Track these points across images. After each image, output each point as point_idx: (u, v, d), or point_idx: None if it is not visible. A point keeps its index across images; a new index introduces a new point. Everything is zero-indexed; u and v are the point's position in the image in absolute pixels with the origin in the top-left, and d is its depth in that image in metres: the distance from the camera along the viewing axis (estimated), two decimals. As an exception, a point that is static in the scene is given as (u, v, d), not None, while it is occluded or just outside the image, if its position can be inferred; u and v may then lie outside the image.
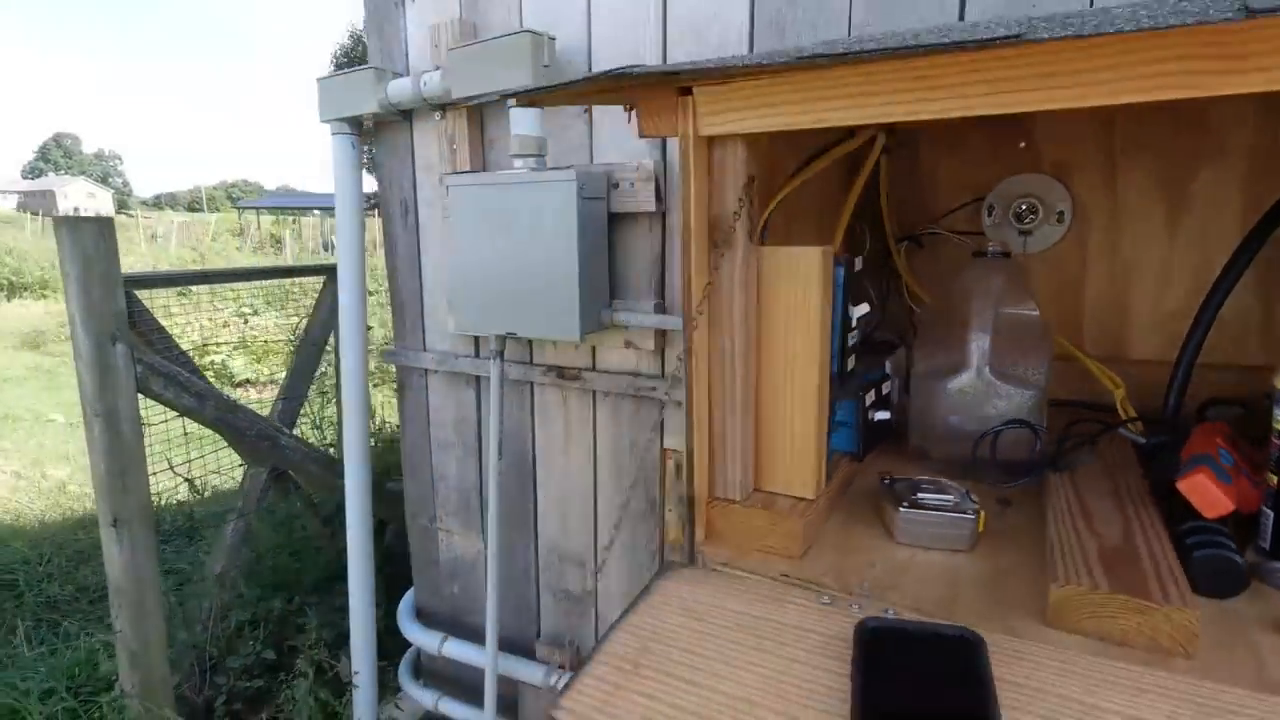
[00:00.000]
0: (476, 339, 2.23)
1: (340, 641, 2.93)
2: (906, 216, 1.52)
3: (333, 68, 20.95)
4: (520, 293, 1.83)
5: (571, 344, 2.04)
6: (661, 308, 1.87)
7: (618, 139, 1.86)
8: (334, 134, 2.19)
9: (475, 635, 2.46)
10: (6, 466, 4.82)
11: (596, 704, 0.65)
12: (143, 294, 2.50)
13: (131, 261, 12.93)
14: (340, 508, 3.45)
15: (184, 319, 3.35)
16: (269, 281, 3.65)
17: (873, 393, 1.14)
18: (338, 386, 3.75)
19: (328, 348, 3.55)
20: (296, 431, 3.42)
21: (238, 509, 3.05)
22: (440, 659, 2.47)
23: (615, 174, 1.82)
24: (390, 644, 2.71)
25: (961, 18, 1.37)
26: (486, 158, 2.08)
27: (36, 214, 28.05)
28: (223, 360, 7.04)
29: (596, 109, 1.88)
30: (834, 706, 0.64)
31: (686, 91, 0.81)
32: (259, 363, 7.54)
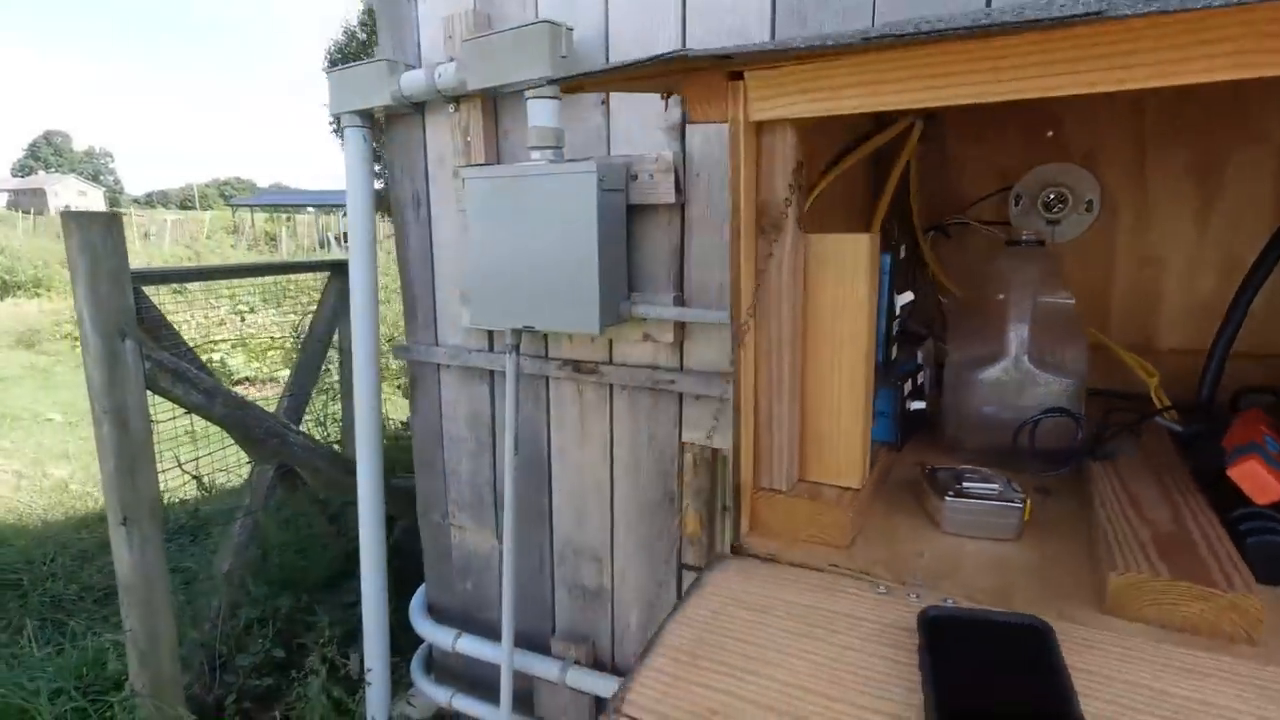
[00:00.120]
0: (490, 333, 2.21)
1: (350, 639, 2.92)
2: (931, 206, 1.51)
3: (327, 65, 20.80)
4: (538, 286, 1.82)
5: (588, 337, 2.03)
6: (680, 300, 1.86)
7: (635, 131, 1.84)
8: (345, 126, 2.17)
9: (489, 631, 2.45)
10: (7, 466, 4.78)
11: (657, 696, 0.64)
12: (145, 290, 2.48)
13: (126, 259, 12.80)
14: (347, 505, 3.44)
15: (179, 317, 3.32)
16: (267, 279, 3.61)
17: (909, 382, 1.13)
18: (343, 383, 3.74)
19: (331, 344, 3.53)
20: (302, 429, 3.40)
21: (245, 506, 3.03)
22: (453, 655, 2.46)
23: (634, 165, 1.80)
24: (400, 640, 2.70)
25: (988, 4, 1.37)
26: (501, 150, 2.06)
27: (28, 212, 27.82)
28: (221, 358, 7.00)
29: (614, 100, 1.86)
30: (899, 695, 0.63)
31: (737, 76, 0.79)
32: (257, 360, 7.51)
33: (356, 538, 3.38)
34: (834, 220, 1.12)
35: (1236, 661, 0.67)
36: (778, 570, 0.85)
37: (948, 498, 0.92)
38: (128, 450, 2.29)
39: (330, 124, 21.73)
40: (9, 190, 58.00)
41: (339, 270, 3.53)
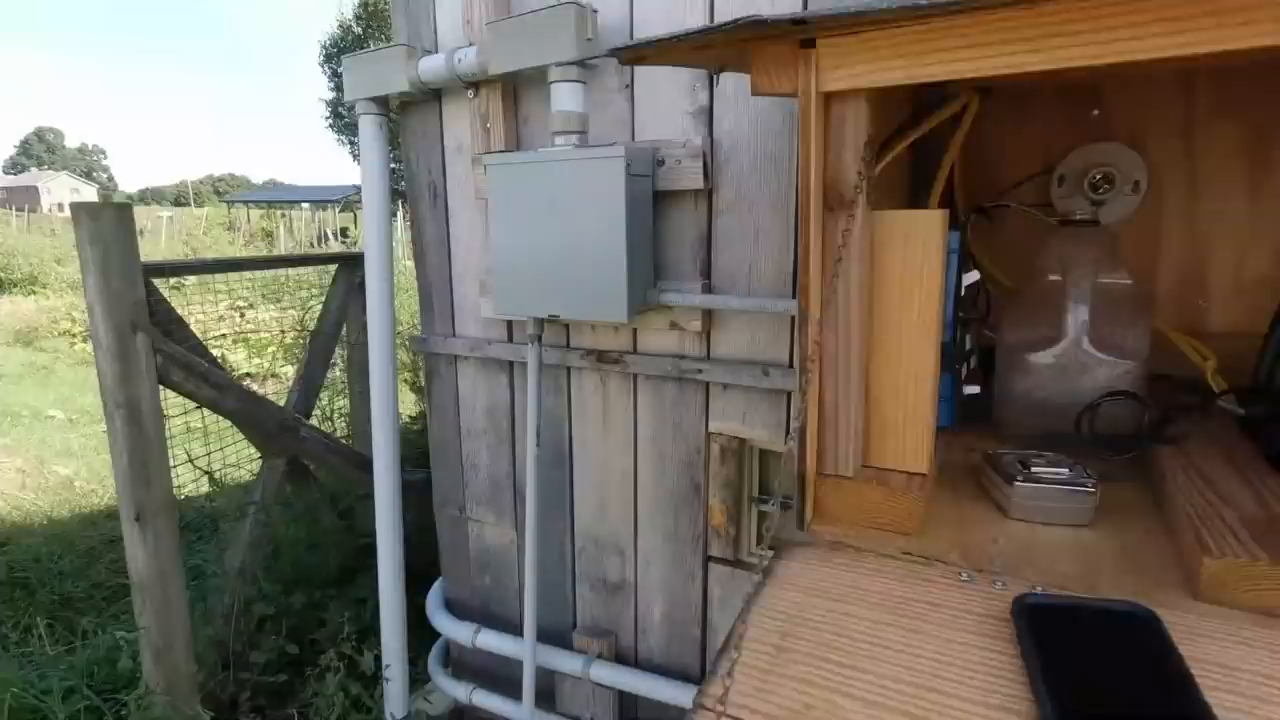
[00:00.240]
0: (510, 324, 2.18)
1: (364, 635, 2.88)
2: (968, 189, 1.49)
3: (321, 59, 20.65)
4: (563, 274, 1.78)
5: (612, 326, 1.99)
6: (708, 287, 1.82)
7: (661, 115, 1.81)
8: (361, 114, 2.13)
9: (508, 626, 2.43)
10: (10, 463, 4.74)
11: (753, 692, 0.62)
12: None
13: (123, 256, 12.67)
14: (360, 500, 3.41)
15: (179, 313, 3.26)
16: (270, 273, 3.55)
17: (965, 366, 1.10)
18: (351, 377, 3.71)
19: (339, 339, 3.49)
20: (311, 423, 3.36)
21: (256, 502, 3.00)
22: (472, 650, 2.43)
23: (661, 151, 1.77)
24: (414, 635, 2.67)
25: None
26: (521, 137, 2.03)
27: (21, 210, 27.63)
28: (222, 354, 6.94)
29: (638, 85, 1.82)
30: (1004, 688, 0.60)
31: (809, 44, 0.76)
32: (258, 356, 7.45)
33: (367, 533, 3.35)
34: (879, 200, 1.09)
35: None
36: (849, 558, 0.82)
37: (1017, 482, 0.89)
38: (140, 445, 2.25)
39: (326, 118, 21.63)
40: (1, 188, 57.61)
41: (347, 263, 3.50)
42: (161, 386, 2.34)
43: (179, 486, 2.88)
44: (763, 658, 0.65)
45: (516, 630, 2.40)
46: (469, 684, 2.45)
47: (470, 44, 1.93)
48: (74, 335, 9.19)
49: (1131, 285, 1.08)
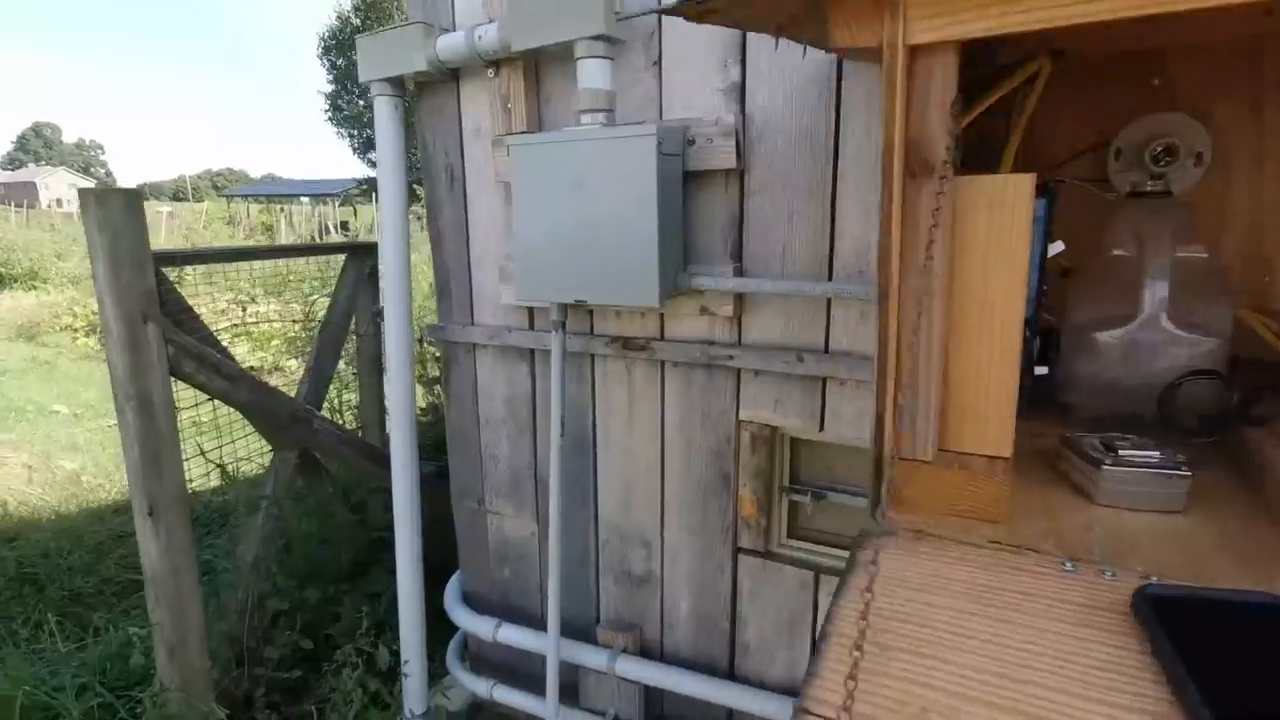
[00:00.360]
0: (531, 311, 2.12)
1: (379, 630, 2.84)
2: (1017, 164, 1.42)
3: (320, 51, 20.50)
4: (591, 258, 1.73)
5: (639, 312, 1.94)
6: (740, 271, 1.77)
7: (690, 92, 1.75)
8: (376, 96, 2.06)
9: (529, 619, 2.38)
10: (16, 459, 4.69)
11: (849, 692, 0.56)
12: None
13: (123, 250, 12.59)
14: (372, 493, 3.36)
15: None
16: (269, 269, 3.48)
17: (1033, 346, 1.05)
18: (361, 368, 3.65)
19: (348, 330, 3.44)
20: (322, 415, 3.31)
21: (268, 496, 2.95)
22: (491, 645, 2.38)
23: (691, 129, 1.71)
24: (432, 629, 2.63)
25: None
26: (542, 117, 1.96)
27: (20, 206, 27.51)
28: (224, 347, 6.88)
29: (667, 62, 1.76)
30: (1127, 684, 0.55)
31: (895, -9, 0.70)
32: (262, 349, 7.40)
33: (380, 527, 3.31)
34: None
35: None
36: (934, 547, 0.76)
37: (1105, 466, 0.84)
38: (152, 438, 2.20)
39: (325, 111, 21.50)
40: (-1, 184, 57.37)
41: (356, 253, 3.44)
42: (172, 378, 2.29)
43: (188, 481, 2.83)
44: (864, 656, 0.60)
45: (537, 624, 2.35)
46: (489, 679, 2.40)
47: (490, 20, 1.87)
48: (76, 330, 9.13)
49: (1209, 259, 1.03)
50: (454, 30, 1.96)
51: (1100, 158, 1.38)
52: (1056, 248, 0.91)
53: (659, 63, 1.77)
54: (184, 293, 3.03)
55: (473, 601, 2.52)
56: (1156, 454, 0.85)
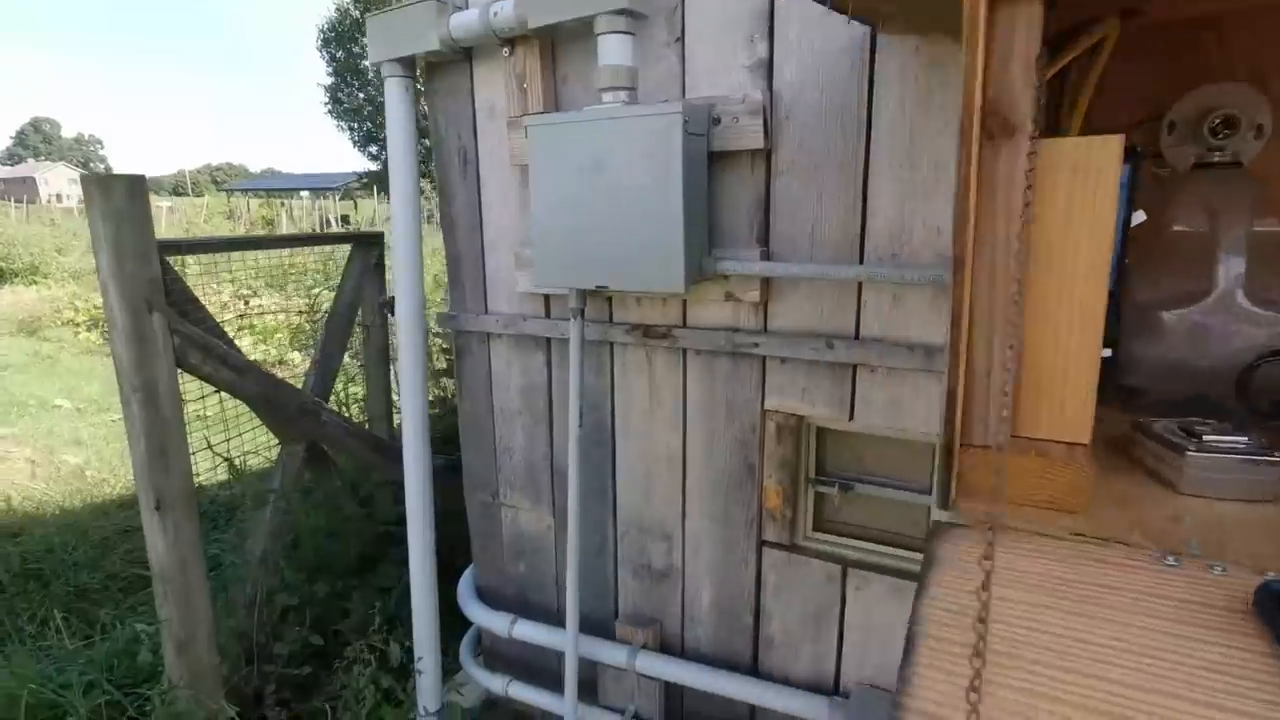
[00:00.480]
0: (547, 298, 2.06)
1: (390, 625, 2.79)
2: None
3: (319, 43, 20.32)
4: (613, 242, 1.66)
5: (660, 299, 1.88)
6: (766, 255, 1.71)
7: (715, 70, 1.68)
8: (386, 77, 2.00)
9: (545, 615, 2.33)
10: (19, 453, 4.64)
11: (953, 702, 0.50)
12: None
13: (124, 244, 12.52)
14: (379, 486, 3.31)
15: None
16: (270, 263, 3.42)
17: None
18: (368, 359, 3.60)
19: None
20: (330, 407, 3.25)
21: (276, 489, 2.90)
22: (506, 640, 2.33)
23: (717, 108, 1.64)
24: (445, 625, 2.58)
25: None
26: (559, 97, 1.90)
27: (20, 201, 27.42)
28: (230, 339, 6.82)
29: (690, 37, 1.69)
30: (1254, 690, 0.49)
31: (979, -68, 0.64)
32: (265, 342, 7.35)
33: (388, 521, 3.26)
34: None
35: None
36: (1012, 540, 0.71)
37: (1189, 453, 0.78)
38: (159, 430, 2.15)
39: (325, 104, 21.35)
40: (-2, 179, 57.19)
41: (362, 243, 3.38)
42: (178, 370, 2.23)
43: (196, 475, 2.78)
44: (959, 660, 0.54)
45: (554, 619, 2.31)
46: (504, 676, 2.35)
47: (506, -4, 1.80)
48: (78, 324, 9.07)
49: (1284, 234, 0.97)
50: (467, 7, 1.90)
51: (1148, 132, 1.31)
52: (1139, 217, 0.86)
53: (681, 39, 1.71)
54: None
55: (487, 596, 2.47)
56: (1243, 439, 0.79)
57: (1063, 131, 1.12)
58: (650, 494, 2.05)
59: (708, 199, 1.71)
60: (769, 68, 1.62)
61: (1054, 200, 0.73)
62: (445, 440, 3.24)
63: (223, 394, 2.65)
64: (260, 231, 22.11)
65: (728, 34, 1.65)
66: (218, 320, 2.64)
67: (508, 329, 2.12)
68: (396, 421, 3.67)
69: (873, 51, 1.51)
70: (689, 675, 2.02)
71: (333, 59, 20.37)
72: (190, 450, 2.32)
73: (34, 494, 4.12)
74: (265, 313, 5.68)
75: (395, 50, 1.96)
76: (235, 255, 3.16)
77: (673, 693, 2.14)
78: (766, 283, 1.73)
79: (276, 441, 3.02)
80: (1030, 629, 0.58)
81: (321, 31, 20.53)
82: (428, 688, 2.36)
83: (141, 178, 2.06)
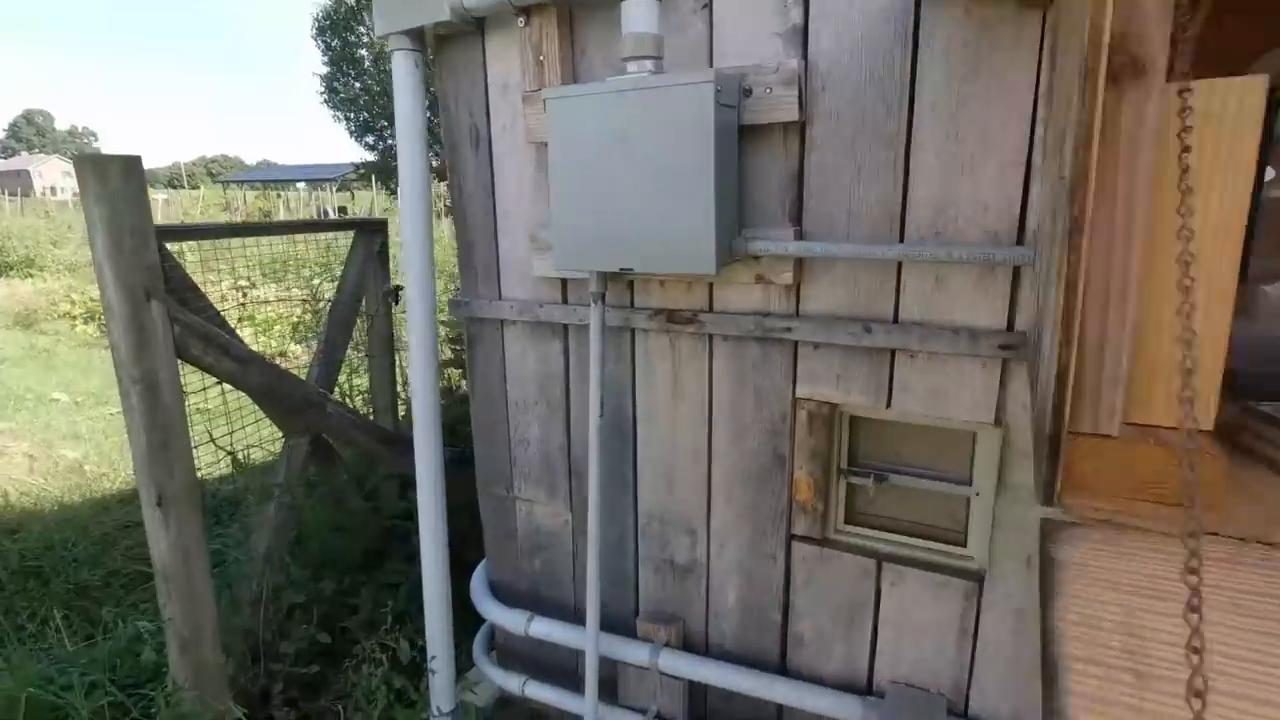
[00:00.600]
0: (564, 283, 1.97)
1: (398, 622, 2.72)
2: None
3: (314, 32, 20.11)
4: (638, 222, 1.57)
5: (684, 282, 1.79)
6: (800, 234, 1.62)
7: (744, 38, 1.59)
8: (394, 50, 1.90)
9: (562, 612, 2.25)
10: (17, 448, 4.55)
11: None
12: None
13: (120, 237, 12.38)
14: (385, 479, 3.23)
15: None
16: (268, 254, 3.31)
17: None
18: (373, 350, 3.51)
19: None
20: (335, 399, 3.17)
21: (280, 484, 2.81)
22: (521, 638, 2.25)
23: (748, 78, 1.55)
24: (455, 619, 2.50)
25: None
26: (578, 71, 1.80)
27: (14, 194, 27.20)
28: (232, 328, 6.72)
29: (718, 2, 1.60)
30: None
31: None
32: (264, 334, 7.25)
33: (394, 515, 3.18)
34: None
35: None
36: (1136, 541, 0.62)
37: (1323, 442, 0.69)
38: (160, 424, 2.06)
39: (320, 93, 21.15)
40: (-8, 172, 56.80)
41: (365, 230, 3.28)
42: (179, 360, 2.14)
43: (197, 469, 2.70)
44: (1116, 685, 0.46)
45: (571, 616, 2.23)
46: (520, 675, 2.28)
47: (521, -38, 1.70)
48: (74, 317, 8.96)
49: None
50: (480, -24, 1.80)
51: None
52: (1271, 175, 0.77)
53: (709, 5, 1.61)
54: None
55: (500, 592, 2.39)
56: (1380, 425, 0.70)
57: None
58: (673, 486, 1.97)
59: (738, 175, 1.62)
60: (804, 34, 1.52)
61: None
62: (452, 431, 3.16)
63: (224, 386, 2.57)
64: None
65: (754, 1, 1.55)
66: (220, 313, 2.55)
67: (523, 315, 2.03)
68: (402, 413, 3.59)
69: (917, 14, 1.42)
70: (715, 674, 1.94)
71: (328, 48, 20.16)
72: (192, 444, 2.24)
73: (32, 489, 4.04)
74: (266, 302, 5.57)
75: (403, 21, 1.85)
76: (235, 247, 3.07)
77: (696, 692, 2.06)
78: (800, 264, 1.64)
79: (279, 434, 2.93)
80: (1187, 647, 0.49)
81: (317, 20, 20.31)
82: (441, 687, 2.29)
83: (138, 158, 1.96)
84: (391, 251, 3.51)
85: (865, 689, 1.84)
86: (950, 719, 1.72)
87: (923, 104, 1.45)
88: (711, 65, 1.63)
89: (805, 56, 1.53)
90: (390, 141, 20.28)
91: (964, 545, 1.71)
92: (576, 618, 2.21)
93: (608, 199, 1.60)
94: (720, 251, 1.52)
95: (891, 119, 1.49)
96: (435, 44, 1.98)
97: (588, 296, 1.84)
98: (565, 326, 2.00)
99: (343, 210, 22.27)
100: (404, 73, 1.91)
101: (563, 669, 2.27)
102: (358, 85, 20.27)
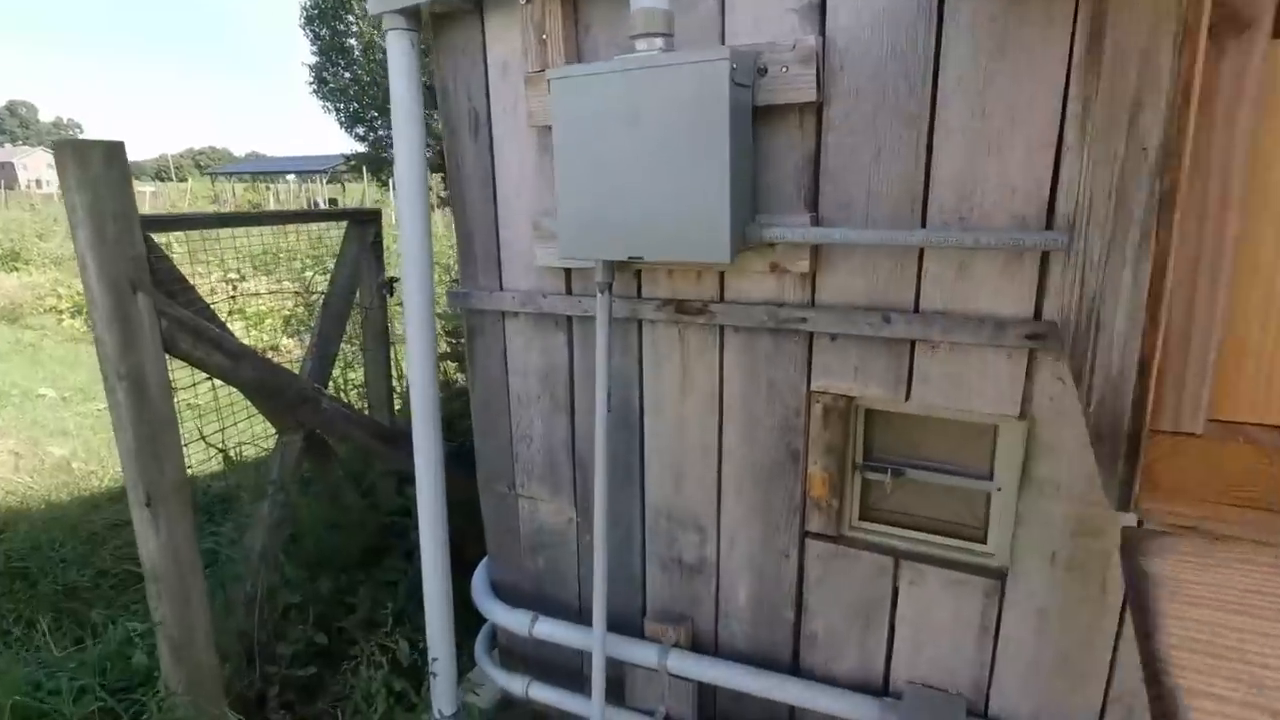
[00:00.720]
0: (568, 273, 1.90)
1: (398, 621, 2.66)
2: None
3: (303, 21, 19.81)
4: (648, 209, 1.50)
5: (694, 271, 1.72)
6: (816, 220, 1.55)
7: (758, 14, 1.51)
8: (388, 30, 1.81)
9: (565, 611, 2.19)
10: (2, 445, 4.45)
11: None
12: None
13: (107, 229, 12.19)
14: (382, 476, 3.16)
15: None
16: (258, 247, 3.22)
17: None
18: (367, 344, 3.42)
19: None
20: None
21: (275, 481, 2.74)
22: (524, 639, 2.19)
23: (764, 56, 1.48)
24: (455, 618, 2.43)
25: None
26: (582, 50, 1.73)
27: (-2, 186, 26.81)
28: (223, 322, 6.61)
29: (731, -23, 1.52)
30: None
31: None
32: (256, 328, 7.14)
33: (391, 512, 3.11)
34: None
35: None
36: (1228, 550, 0.56)
37: None
38: (148, 421, 1.98)
39: (310, 84, 20.86)
40: (-25, 165, 56.01)
41: (359, 220, 3.19)
42: (167, 356, 2.06)
43: (187, 466, 2.62)
44: (1252, 727, 0.40)
45: (575, 615, 2.17)
46: (523, 676, 2.22)
47: (523, -65, 1.62)
48: (61, 311, 8.82)
49: None
50: (478, -50, 1.72)
51: None
52: None
53: (722, -21, 1.53)
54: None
55: (502, 592, 2.33)
56: None
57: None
58: (682, 483, 1.90)
59: (752, 159, 1.55)
60: (821, 10, 1.45)
61: None
62: (447, 426, 3.09)
63: (215, 381, 2.49)
64: (247, 216, 21.63)
65: (772, -27, 1.48)
66: (209, 306, 2.46)
67: (525, 307, 1.96)
68: (398, 407, 3.51)
69: (943, -13, 1.35)
70: (727, 675, 1.89)
71: (317, 37, 19.88)
72: (182, 441, 2.16)
73: (18, 488, 3.94)
74: (256, 294, 5.46)
75: (397, 0, 1.77)
76: (224, 239, 2.97)
77: (705, 693, 2.01)
78: (816, 251, 1.57)
79: (273, 430, 2.86)
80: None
81: (305, 9, 20.01)
82: (443, 690, 2.23)
83: (120, 144, 1.87)
84: (386, 243, 3.42)
85: (881, 690, 1.79)
86: (970, 720, 1.68)
87: (947, 82, 1.39)
88: (724, 43, 1.56)
89: (823, 33, 1.46)
90: (381, 132, 20.05)
91: (984, 542, 1.66)
92: (581, 618, 2.15)
93: (615, 184, 1.52)
94: (735, 239, 1.46)
95: (914, 98, 1.42)
96: (432, 23, 1.90)
97: (593, 287, 1.77)
98: (569, 318, 1.93)
99: (333, 202, 22.06)
100: (399, 53, 1.83)
101: (567, 669, 2.22)
102: (347, 75, 20.01)
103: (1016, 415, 1.49)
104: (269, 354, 6.48)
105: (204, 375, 2.38)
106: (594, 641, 1.93)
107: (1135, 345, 0.61)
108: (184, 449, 2.17)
